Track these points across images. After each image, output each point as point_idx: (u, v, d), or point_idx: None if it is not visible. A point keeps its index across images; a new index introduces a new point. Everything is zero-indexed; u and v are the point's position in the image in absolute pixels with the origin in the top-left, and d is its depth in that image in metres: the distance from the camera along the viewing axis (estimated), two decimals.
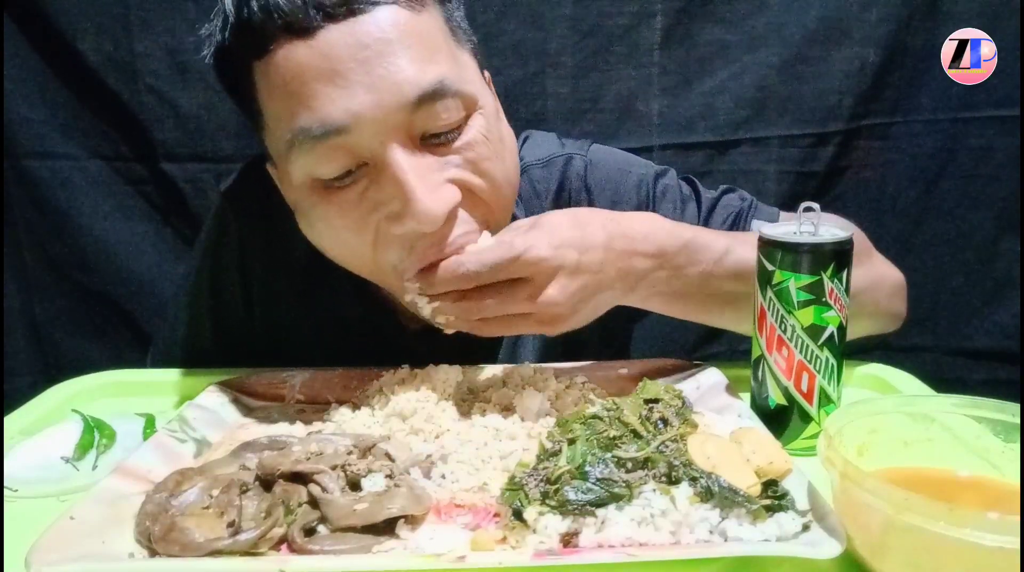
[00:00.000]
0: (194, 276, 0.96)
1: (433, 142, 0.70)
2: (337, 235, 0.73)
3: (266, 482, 0.59)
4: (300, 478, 0.58)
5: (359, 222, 0.71)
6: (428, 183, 0.68)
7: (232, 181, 0.93)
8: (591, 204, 0.93)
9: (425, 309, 0.72)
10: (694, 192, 0.95)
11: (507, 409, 0.72)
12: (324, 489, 0.56)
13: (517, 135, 0.95)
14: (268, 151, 0.76)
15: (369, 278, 0.78)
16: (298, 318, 0.92)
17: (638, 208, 0.92)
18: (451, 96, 0.68)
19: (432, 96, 0.67)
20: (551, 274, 0.69)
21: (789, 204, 1.31)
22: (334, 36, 0.66)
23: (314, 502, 0.56)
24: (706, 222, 0.92)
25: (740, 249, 0.76)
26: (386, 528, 0.54)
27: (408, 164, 0.67)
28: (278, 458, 0.59)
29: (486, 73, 0.80)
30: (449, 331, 0.73)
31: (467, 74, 0.73)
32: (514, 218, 0.81)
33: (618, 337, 1.05)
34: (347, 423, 0.71)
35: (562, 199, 0.93)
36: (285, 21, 0.66)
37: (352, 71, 0.66)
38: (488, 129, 0.73)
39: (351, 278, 0.80)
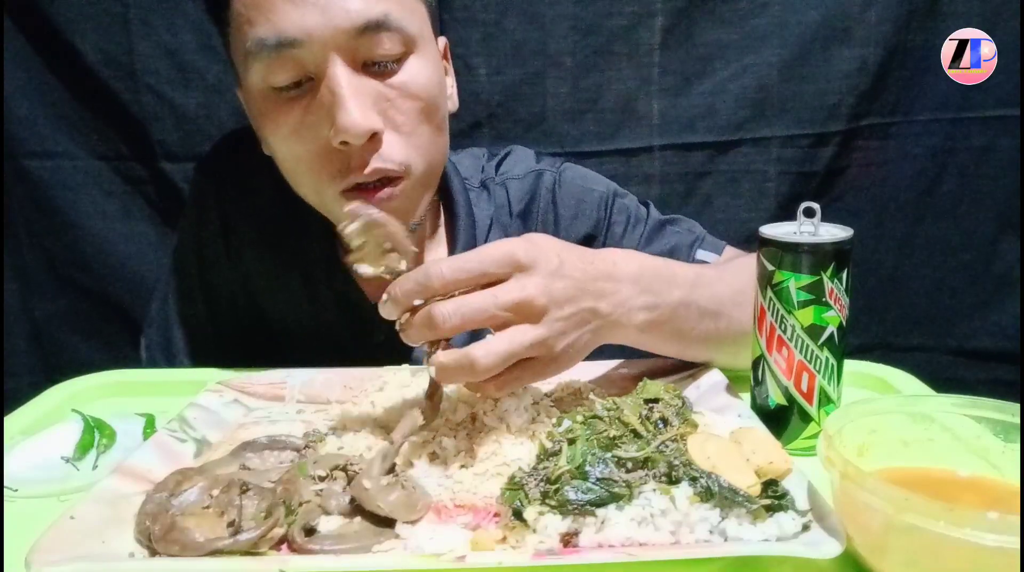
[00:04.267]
0: (180, 249, 1.02)
1: (374, 70, 0.78)
2: (286, 145, 0.81)
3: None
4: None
5: (304, 132, 0.79)
6: (360, 100, 0.76)
7: (205, 156, 1.03)
8: (556, 216, 1.00)
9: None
10: (647, 214, 1.02)
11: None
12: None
13: (500, 150, 1.07)
14: (235, 68, 0.85)
15: (316, 202, 0.85)
16: (270, 270, 0.98)
17: (597, 222, 1.00)
18: (393, 30, 0.77)
19: (376, 26, 0.76)
20: (532, 287, 0.64)
21: (789, 204, 1.32)
22: None
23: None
24: (647, 243, 0.98)
25: (708, 277, 0.79)
26: (386, 527, 0.54)
27: (346, 80, 0.76)
28: None
29: (442, 40, 0.88)
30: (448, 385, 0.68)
31: (412, 17, 0.80)
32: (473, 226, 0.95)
33: None
34: (347, 422, 0.71)
35: (532, 209, 1.01)
36: None
37: None
38: (425, 75, 0.81)
39: (317, 233, 0.91)
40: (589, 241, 0.99)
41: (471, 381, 0.65)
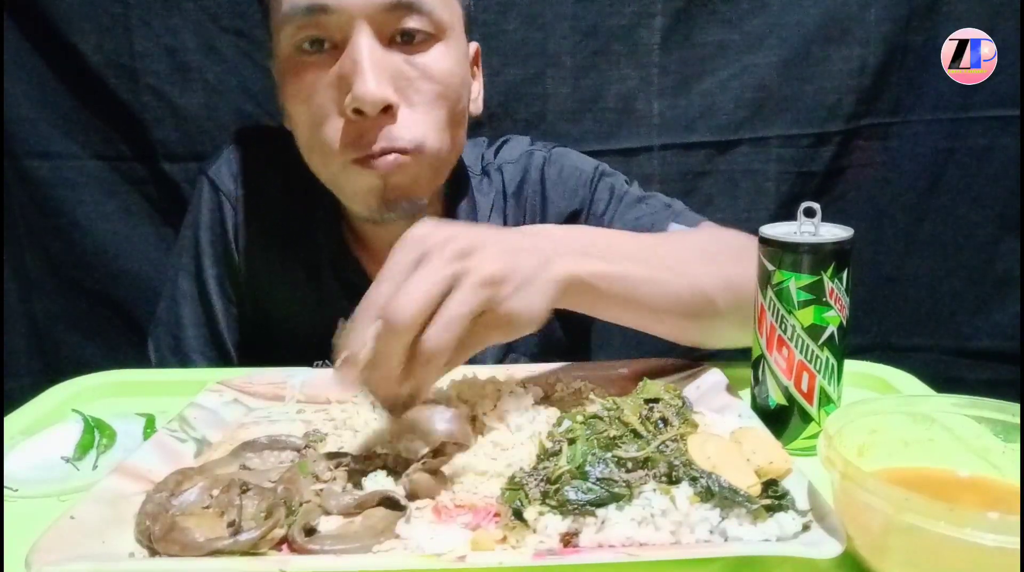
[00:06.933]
0: (184, 250, 1.02)
1: (399, 46, 0.80)
2: (303, 107, 0.82)
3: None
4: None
5: (320, 96, 0.80)
6: (379, 72, 0.77)
7: (209, 159, 1.04)
8: (544, 195, 1.01)
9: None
10: (627, 191, 1.02)
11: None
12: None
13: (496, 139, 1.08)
14: (271, 40, 0.85)
15: (324, 174, 0.85)
16: (275, 266, 0.99)
17: (583, 200, 1.01)
18: (425, 13, 0.79)
19: (408, 5, 0.78)
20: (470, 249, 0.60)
21: (789, 204, 1.32)
22: None
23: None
24: (623, 215, 0.99)
25: (658, 237, 0.84)
26: (386, 528, 0.54)
27: (368, 50, 0.77)
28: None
29: (473, 45, 0.90)
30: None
31: (445, 6, 0.82)
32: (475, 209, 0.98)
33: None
34: (348, 421, 0.71)
35: (523, 190, 1.02)
36: None
37: None
38: (448, 62, 0.82)
39: (325, 223, 0.93)
40: (574, 218, 1.01)
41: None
